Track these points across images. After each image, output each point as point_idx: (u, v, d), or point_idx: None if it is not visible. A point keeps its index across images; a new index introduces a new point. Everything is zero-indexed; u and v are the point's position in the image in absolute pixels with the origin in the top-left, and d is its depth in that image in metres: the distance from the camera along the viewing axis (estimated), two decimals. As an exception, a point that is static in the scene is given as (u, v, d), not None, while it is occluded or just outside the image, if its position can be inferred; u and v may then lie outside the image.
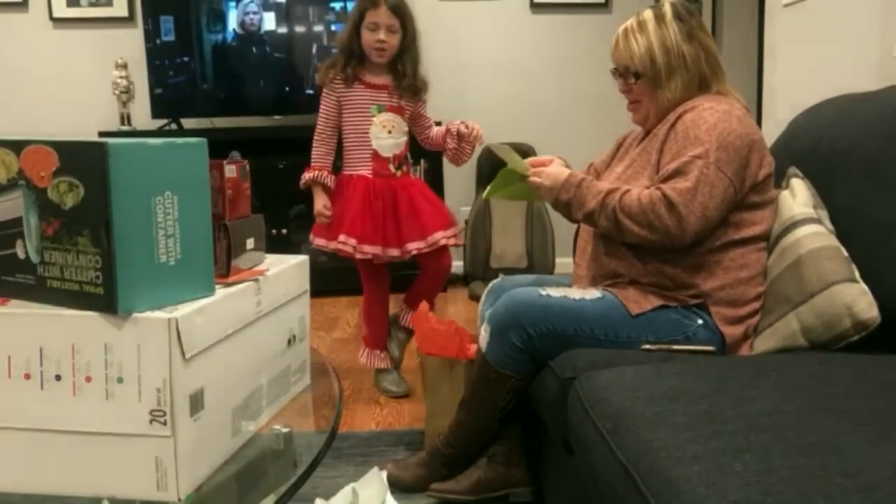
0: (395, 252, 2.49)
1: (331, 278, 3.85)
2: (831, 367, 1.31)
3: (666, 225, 1.52)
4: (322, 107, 2.52)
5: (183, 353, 0.89)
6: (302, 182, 2.52)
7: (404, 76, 2.48)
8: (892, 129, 1.56)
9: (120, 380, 0.89)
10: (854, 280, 1.49)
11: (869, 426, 1.04)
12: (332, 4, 3.95)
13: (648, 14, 1.67)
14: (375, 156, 2.49)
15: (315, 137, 2.54)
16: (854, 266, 1.52)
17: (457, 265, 4.01)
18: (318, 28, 3.98)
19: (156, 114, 3.93)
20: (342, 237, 2.43)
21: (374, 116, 2.48)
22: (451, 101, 4.02)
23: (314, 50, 3.99)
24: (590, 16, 4.29)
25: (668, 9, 1.67)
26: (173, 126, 3.96)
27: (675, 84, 1.65)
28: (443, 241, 2.49)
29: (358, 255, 2.45)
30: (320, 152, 2.52)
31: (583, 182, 1.64)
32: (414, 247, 2.47)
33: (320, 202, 2.50)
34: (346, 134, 2.52)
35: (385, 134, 2.49)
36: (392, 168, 2.50)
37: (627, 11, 1.73)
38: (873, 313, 1.46)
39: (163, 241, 0.93)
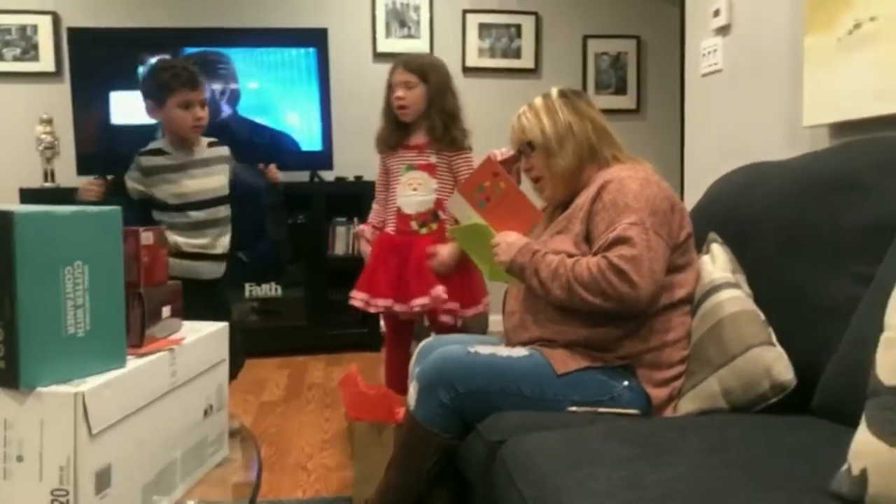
0: (401, 308, 2.49)
1: (260, 339, 3.79)
2: (749, 431, 1.34)
3: (619, 292, 1.54)
4: (378, 171, 2.69)
5: (89, 429, 0.86)
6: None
7: (434, 128, 2.50)
8: (800, 197, 1.63)
9: (20, 458, 0.85)
10: (771, 343, 1.54)
11: (787, 491, 1.06)
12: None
13: (538, 98, 1.85)
14: (398, 213, 2.55)
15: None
16: (771, 329, 1.56)
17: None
18: (233, 86, 3.98)
19: (81, 170, 3.83)
20: (353, 292, 2.54)
21: (401, 175, 2.55)
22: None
23: (235, 108, 3.98)
24: (519, 80, 4.41)
25: (553, 91, 1.86)
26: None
27: (567, 151, 1.77)
28: (444, 297, 2.43)
29: (371, 310, 2.53)
30: (373, 211, 2.71)
31: (538, 251, 1.68)
32: (419, 303, 2.46)
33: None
34: (389, 195, 2.62)
35: (409, 191, 2.54)
36: (415, 225, 2.54)
37: (554, 78, 1.80)
38: (790, 375, 1.50)
39: (71, 311, 0.89)
